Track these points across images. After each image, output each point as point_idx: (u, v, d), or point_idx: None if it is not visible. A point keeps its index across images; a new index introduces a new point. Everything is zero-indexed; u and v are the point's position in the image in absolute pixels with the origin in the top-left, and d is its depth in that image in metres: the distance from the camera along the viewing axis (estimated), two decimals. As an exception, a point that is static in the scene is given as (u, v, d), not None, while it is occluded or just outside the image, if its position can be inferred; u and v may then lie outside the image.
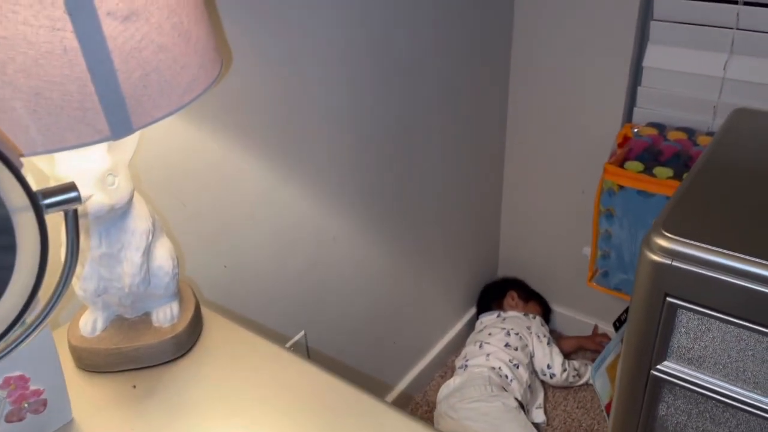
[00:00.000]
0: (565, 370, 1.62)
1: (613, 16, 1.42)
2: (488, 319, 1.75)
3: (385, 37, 1.18)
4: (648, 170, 1.39)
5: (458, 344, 1.80)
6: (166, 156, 0.86)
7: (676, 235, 0.84)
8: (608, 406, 1.43)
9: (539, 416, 1.58)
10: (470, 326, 1.83)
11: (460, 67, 1.42)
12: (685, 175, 1.36)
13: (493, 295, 1.82)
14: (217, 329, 0.72)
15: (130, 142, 0.61)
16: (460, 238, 1.69)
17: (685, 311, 0.87)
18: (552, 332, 1.87)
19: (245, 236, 1.04)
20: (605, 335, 1.78)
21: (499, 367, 1.55)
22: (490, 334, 1.65)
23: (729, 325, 0.84)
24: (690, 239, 0.83)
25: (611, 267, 1.55)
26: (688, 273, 0.83)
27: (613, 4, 1.41)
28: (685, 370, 0.91)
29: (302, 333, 1.23)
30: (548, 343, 1.65)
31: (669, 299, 0.86)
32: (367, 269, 1.36)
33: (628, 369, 0.96)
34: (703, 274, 0.82)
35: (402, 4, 1.19)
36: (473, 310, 1.87)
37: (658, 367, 0.92)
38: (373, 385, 1.52)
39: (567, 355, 1.78)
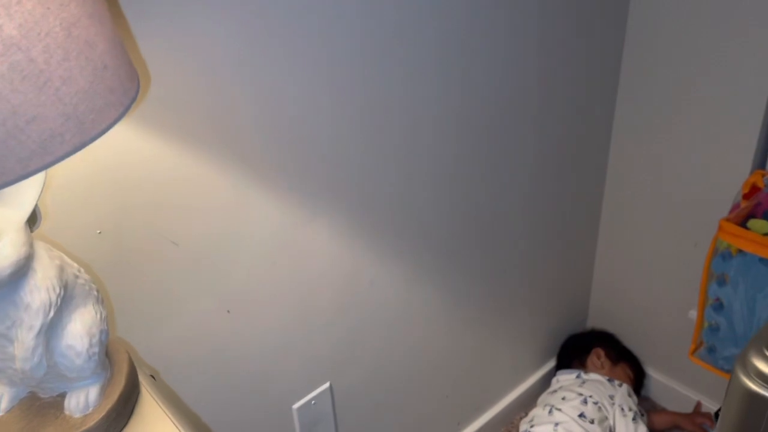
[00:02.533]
0: (651, 454, 1.36)
1: (751, 35, 1.13)
2: (566, 378, 1.52)
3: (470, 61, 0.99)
4: (778, 233, 1.10)
5: (530, 400, 1.58)
6: (147, 185, 0.75)
7: (786, 361, 0.60)
8: None
9: (612, 507, 1.34)
10: (546, 381, 1.60)
11: (559, 86, 1.20)
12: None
13: (576, 351, 1.58)
14: (148, 420, 0.59)
15: (29, 192, 0.49)
16: (543, 279, 1.46)
17: (790, 465, 0.63)
18: (644, 400, 1.60)
19: (260, 281, 0.91)
20: (708, 416, 1.48)
21: (568, 442, 1.33)
22: (563, 399, 1.42)
23: None
24: (807, 370, 0.59)
25: (719, 342, 1.26)
26: (798, 417, 0.59)
27: (750, 22, 1.13)
28: None
29: (327, 384, 1.09)
30: (634, 419, 1.39)
31: (768, 445, 0.62)
32: (414, 315, 1.19)
33: None
34: (822, 424, 0.58)
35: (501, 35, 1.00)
36: (552, 362, 1.64)
37: None
38: (418, 440, 1.35)
39: (659, 432, 1.51)
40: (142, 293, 0.80)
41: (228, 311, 0.90)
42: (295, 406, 1.05)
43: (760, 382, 0.61)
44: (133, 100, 0.46)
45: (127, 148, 0.71)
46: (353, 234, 1.00)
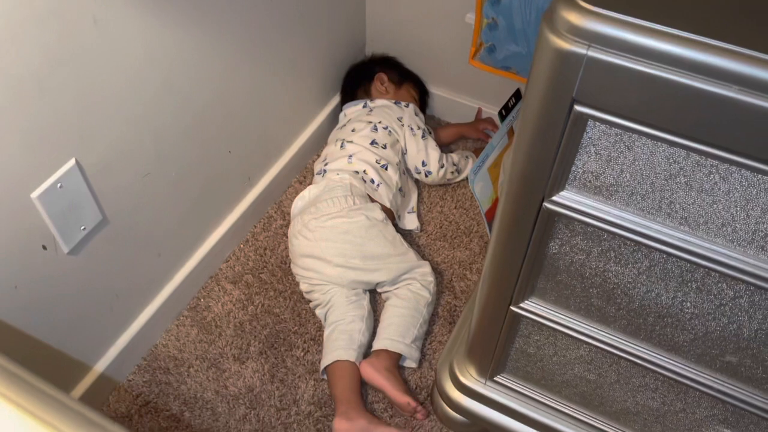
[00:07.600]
0: (442, 166, 1.37)
1: None
2: (353, 110, 1.43)
3: None
4: None
5: (320, 140, 1.50)
6: None
7: (597, 5, 0.52)
8: (489, 213, 1.21)
9: (412, 222, 1.36)
10: (334, 118, 1.51)
11: None
12: None
13: (358, 80, 1.48)
14: None
15: None
16: (315, 11, 1.28)
17: (599, 124, 0.58)
18: (430, 119, 1.60)
19: None
20: (490, 120, 1.52)
21: (364, 171, 1.28)
22: (353, 131, 1.34)
23: (660, 143, 0.57)
24: (619, 12, 0.51)
25: (499, 40, 1.23)
26: (611, 68, 0.53)
27: None
28: (590, 202, 0.65)
29: (72, 162, 0.87)
30: (423, 136, 1.37)
31: (578, 108, 0.57)
32: (163, 59, 0.96)
33: (513, 199, 0.69)
34: (635, 69, 0.52)
35: None
36: (337, 98, 1.53)
37: (554, 198, 0.66)
38: (205, 214, 1.21)
39: (446, 145, 1.53)
40: None
41: None
42: (34, 194, 0.83)
43: (571, 37, 0.52)
44: None
45: None
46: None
